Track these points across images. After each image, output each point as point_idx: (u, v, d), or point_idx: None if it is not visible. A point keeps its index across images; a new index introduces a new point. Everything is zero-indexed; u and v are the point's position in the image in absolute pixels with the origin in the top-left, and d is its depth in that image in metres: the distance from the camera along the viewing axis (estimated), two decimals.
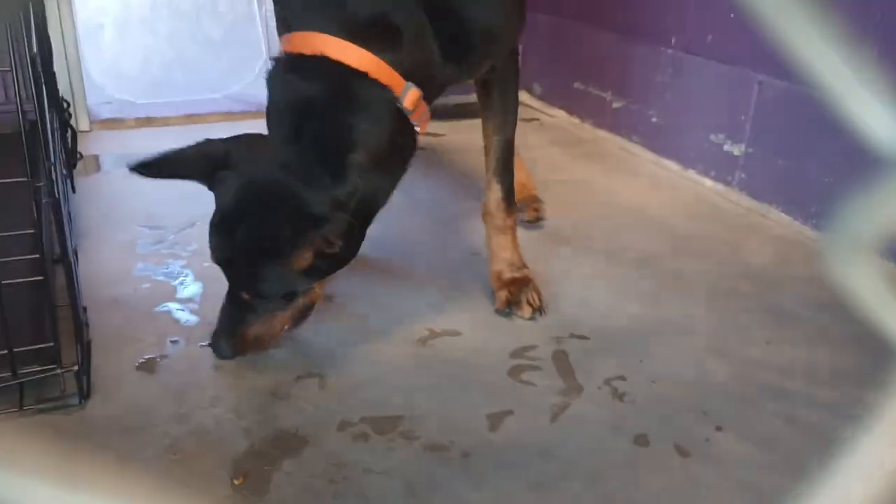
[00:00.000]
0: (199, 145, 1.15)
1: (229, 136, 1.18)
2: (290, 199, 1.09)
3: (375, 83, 1.13)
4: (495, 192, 1.44)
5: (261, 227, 1.11)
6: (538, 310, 1.40)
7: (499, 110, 1.42)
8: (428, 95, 1.21)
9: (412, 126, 1.21)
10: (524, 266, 1.46)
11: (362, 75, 1.12)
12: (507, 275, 1.44)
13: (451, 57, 1.22)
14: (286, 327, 1.25)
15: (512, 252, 1.47)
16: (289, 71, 1.14)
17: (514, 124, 1.44)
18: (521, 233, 1.76)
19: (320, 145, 1.11)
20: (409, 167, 1.26)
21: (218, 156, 1.14)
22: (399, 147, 1.21)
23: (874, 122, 0.21)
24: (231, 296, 1.21)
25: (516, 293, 1.41)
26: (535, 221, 1.81)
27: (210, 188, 1.17)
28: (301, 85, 1.13)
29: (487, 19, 1.24)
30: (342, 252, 1.16)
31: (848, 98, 0.22)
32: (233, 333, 1.20)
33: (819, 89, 0.22)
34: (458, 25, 1.21)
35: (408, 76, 1.15)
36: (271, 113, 1.17)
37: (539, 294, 1.42)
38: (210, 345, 1.23)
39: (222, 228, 1.15)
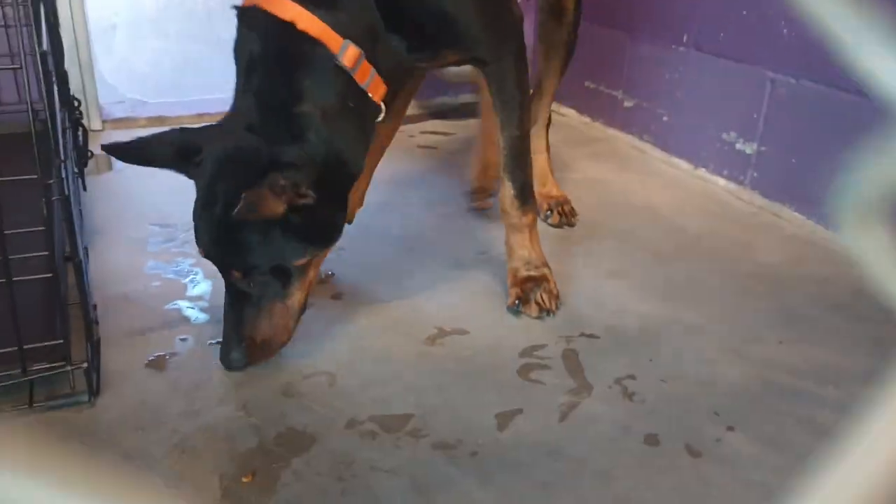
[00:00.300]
0: (172, 132, 1.16)
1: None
2: (252, 157, 1.09)
3: (304, 36, 1.12)
4: (507, 190, 1.41)
5: (230, 192, 1.08)
6: (546, 310, 1.39)
7: (497, 108, 1.37)
8: (376, 63, 1.17)
9: (362, 90, 1.17)
10: (543, 265, 1.44)
11: (289, 26, 1.11)
12: (523, 273, 1.43)
13: (397, 31, 1.19)
14: (289, 325, 1.22)
15: (529, 250, 1.44)
16: (238, 23, 1.17)
17: (520, 122, 1.37)
18: None
19: (267, 102, 1.13)
20: (371, 136, 1.24)
21: (191, 143, 1.15)
22: (351, 110, 1.17)
23: (883, 72, 0.21)
24: (229, 301, 1.18)
25: (527, 291, 1.40)
26: (561, 226, 1.81)
27: (188, 177, 1.17)
28: (245, 37, 1.16)
29: (436, 8, 1.20)
30: (320, 210, 1.13)
31: (859, 49, 0.21)
32: (241, 340, 1.17)
33: (830, 42, 0.21)
34: (405, 9, 1.19)
35: (346, 37, 1.14)
36: (235, 66, 1.19)
37: (552, 294, 1.41)
38: (220, 360, 1.18)
39: (200, 212, 1.14)
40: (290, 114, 1.12)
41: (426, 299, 1.47)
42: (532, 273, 1.43)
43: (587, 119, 2.66)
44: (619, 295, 1.50)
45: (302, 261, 1.17)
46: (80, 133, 1.89)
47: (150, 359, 1.26)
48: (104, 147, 1.15)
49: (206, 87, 2.77)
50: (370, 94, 1.19)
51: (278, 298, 1.18)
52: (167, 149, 1.15)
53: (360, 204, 1.66)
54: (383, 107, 1.23)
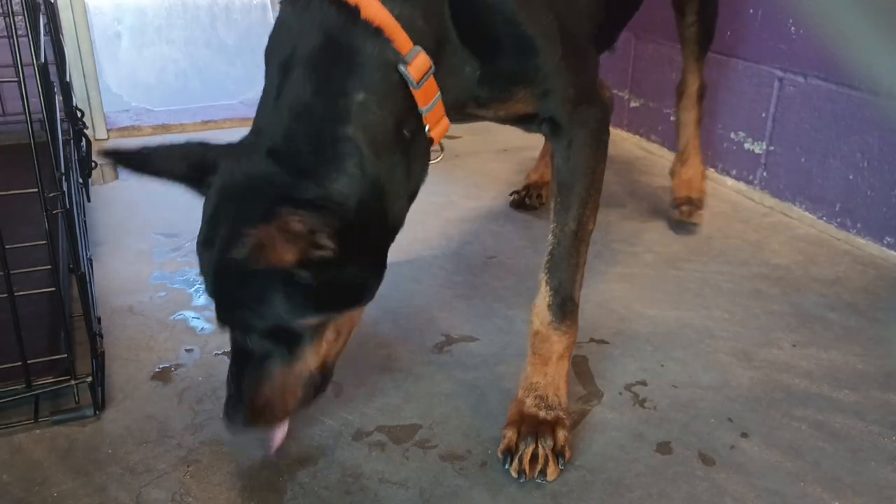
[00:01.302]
0: (189, 145, 0.97)
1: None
2: (264, 188, 0.88)
3: (368, 27, 0.89)
4: (542, 298, 1.10)
5: (230, 230, 0.88)
6: (541, 472, 1.01)
7: (556, 189, 1.10)
8: (442, 86, 0.95)
9: (419, 116, 0.94)
10: (560, 406, 1.08)
11: (352, 11, 0.89)
12: (530, 409, 1.07)
13: (470, 45, 0.97)
14: (296, 392, 0.98)
15: (548, 382, 1.09)
16: (282, 7, 0.96)
17: (578, 214, 1.08)
18: (538, 231, 1.74)
19: (303, 116, 0.90)
20: (419, 183, 1.01)
21: (208, 160, 0.95)
22: (405, 141, 0.94)
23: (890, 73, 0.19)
24: (232, 353, 0.98)
25: (523, 438, 1.03)
26: (683, 224, 1.75)
27: (202, 195, 0.98)
28: (289, 25, 0.94)
29: (516, 25, 0.98)
30: (342, 268, 0.89)
31: (868, 50, 0.20)
32: (240, 400, 0.97)
33: (839, 43, 0.20)
34: (482, 16, 0.97)
35: (415, 41, 0.91)
36: (266, 67, 0.98)
37: (556, 449, 1.03)
38: (222, 416, 1.00)
39: (201, 247, 0.94)
40: (329, 135, 0.89)
41: (433, 306, 1.45)
42: (541, 414, 1.06)
43: None
44: (628, 299, 1.48)
45: (311, 322, 0.94)
46: (83, 143, 1.89)
47: (156, 371, 1.25)
48: (106, 153, 0.98)
49: (212, 93, 2.78)
50: (427, 126, 0.96)
51: (282, 362, 0.95)
52: (180, 163, 0.96)
53: None
54: (440, 149, 1.03)
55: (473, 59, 0.99)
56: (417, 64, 0.90)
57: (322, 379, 1.00)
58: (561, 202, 1.09)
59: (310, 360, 0.97)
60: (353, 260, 0.90)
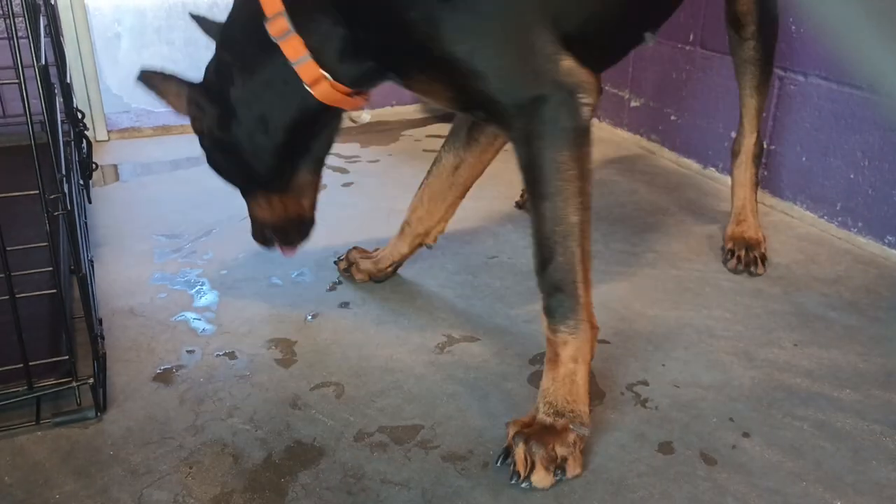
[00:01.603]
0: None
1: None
2: (206, 77, 1.29)
3: None
4: (542, 301, 1.06)
5: None
6: (525, 479, 0.98)
7: (525, 184, 1.04)
8: (324, 57, 1.11)
9: (291, 68, 1.12)
10: (573, 413, 1.03)
11: None
12: (541, 413, 1.04)
13: (342, 22, 1.09)
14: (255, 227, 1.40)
15: (558, 388, 1.04)
16: None
17: (555, 204, 1.00)
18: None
19: (219, 46, 1.27)
20: (306, 123, 1.21)
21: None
22: (274, 82, 1.16)
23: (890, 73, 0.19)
24: None
25: (522, 440, 1.00)
26: (739, 273, 1.57)
27: None
28: None
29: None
30: (214, 149, 1.29)
31: (868, 50, 0.20)
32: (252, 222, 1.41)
33: (839, 44, 0.20)
34: None
35: (293, 12, 1.10)
36: None
37: (557, 459, 0.99)
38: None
39: None
40: (222, 60, 1.23)
41: (435, 306, 1.45)
42: (548, 419, 1.02)
43: (594, 119, 2.64)
44: (629, 298, 1.48)
45: (243, 188, 1.35)
46: (84, 145, 1.89)
47: (157, 372, 1.25)
48: (192, 15, 1.38)
49: None
50: (302, 78, 1.13)
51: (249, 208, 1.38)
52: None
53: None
54: (361, 115, 1.28)
55: (341, 27, 1.10)
56: (276, 24, 1.10)
57: (280, 233, 1.38)
58: (529, 200, 1.04)
59: (257, 214, 1.37)
60: (216, 147, 1.30)
